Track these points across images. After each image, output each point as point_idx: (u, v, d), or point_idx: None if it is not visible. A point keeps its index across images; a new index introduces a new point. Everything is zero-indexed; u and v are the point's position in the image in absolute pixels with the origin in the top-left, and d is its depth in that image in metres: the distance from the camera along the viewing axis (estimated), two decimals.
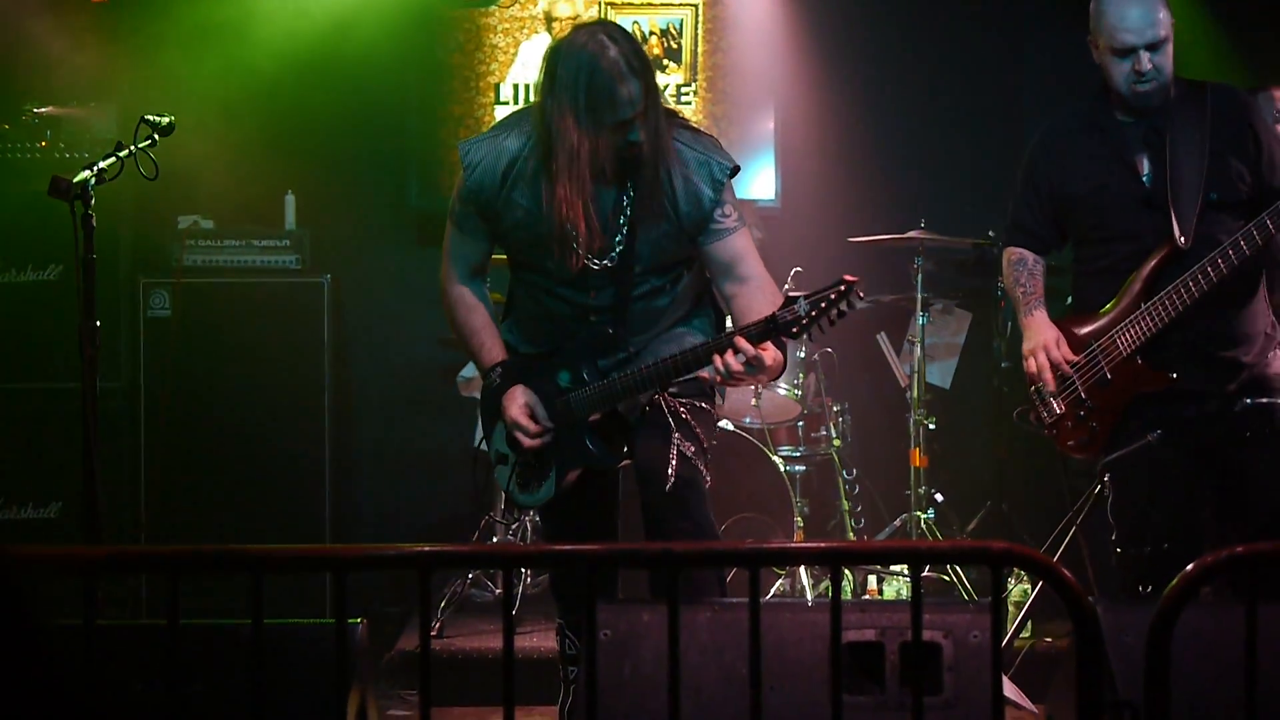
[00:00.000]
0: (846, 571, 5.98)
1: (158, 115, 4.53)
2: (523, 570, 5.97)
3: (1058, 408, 4.60)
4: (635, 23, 7.32)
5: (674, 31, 7.37)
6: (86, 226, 4.26)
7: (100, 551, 2.49)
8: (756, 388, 6.23)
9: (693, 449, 4.11)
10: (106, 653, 3.25)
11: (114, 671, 3.24)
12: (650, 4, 7.37)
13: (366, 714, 3.41)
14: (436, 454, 7.15)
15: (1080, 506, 5.21)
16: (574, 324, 4.16)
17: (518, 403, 4.15)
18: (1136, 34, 4.36)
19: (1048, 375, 4.58)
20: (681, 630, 2.44)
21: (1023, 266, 4.75)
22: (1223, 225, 4.37)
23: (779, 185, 7.38)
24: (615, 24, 4.03)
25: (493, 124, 4.35)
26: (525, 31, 7.38)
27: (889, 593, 6.16)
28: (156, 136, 4.52)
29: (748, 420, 6.32)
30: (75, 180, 4.22)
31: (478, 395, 4.64)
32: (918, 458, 6.49)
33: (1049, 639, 5.66)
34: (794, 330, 3.78)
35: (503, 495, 5.86)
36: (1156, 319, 4.40)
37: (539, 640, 5.68)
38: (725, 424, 6.09)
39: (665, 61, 7.36)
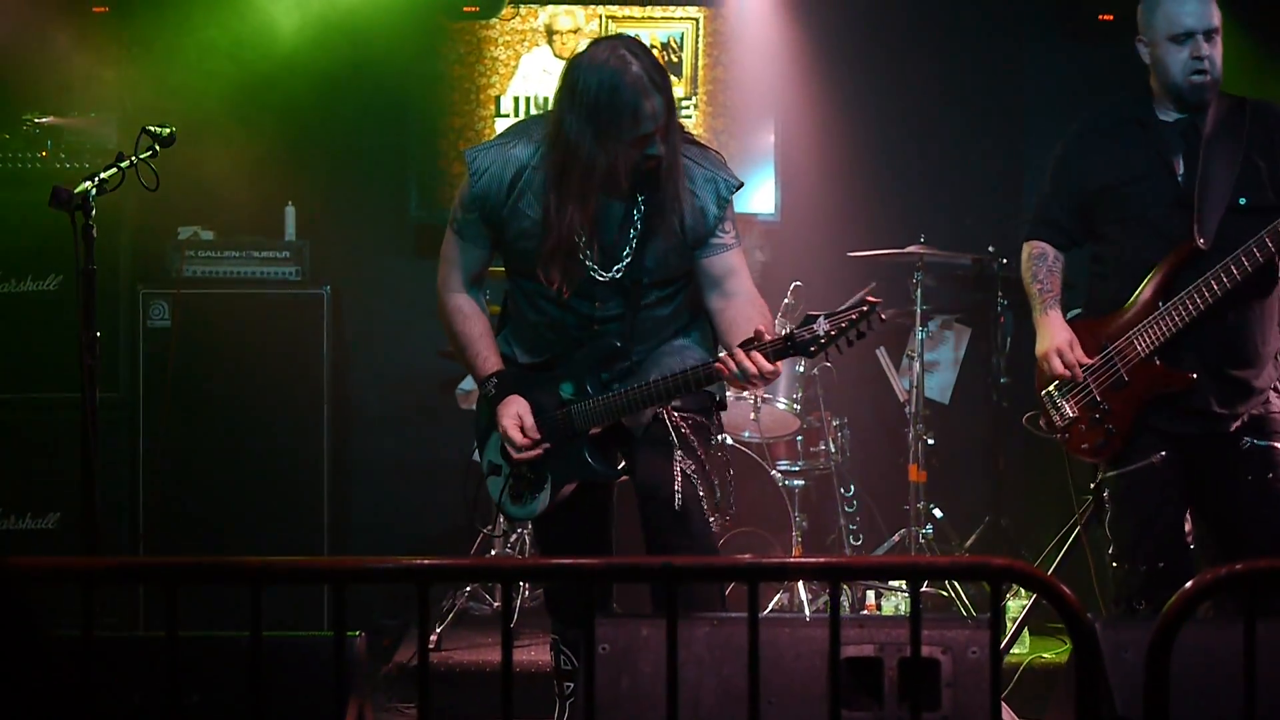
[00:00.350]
0: (845, 587, 5.98)
1: (159, 126, 4.53)
2: (521, 583, 5.97)
3: (1070, 411, 4.59)
4: (636, 36, 7.33)
5: (675, 45, 7.38)
6: (87, 237, 4.26)
7: (99, 562, 2.48)
8: (756, 401, 6.23)
9: (693, 467, 4.11)
10: (105, 664, 3.25)
11: (112, 683, 3.23)
12: (651, 18, 7.38)
13: None
14: (435, 466, 7.14)
15: (1075, 521, 5.18)
16: (578, 332, 4.16)
17: (509, 414, 4.15)
18: (1195, 18, 4.39)
19: (1064, 373, 4.56)
20: (680, 645, 2.44)
21: (1042, 262, 4.71)
22: (1249, 231, 4.34)
23: (779, 199, 7.39)
24: (634, 39, 4.00)
25: (497, 133, 4.34)
26: (526, 44, 7.39)
27: (888, 608, 6.16)
28: (157, 147, 4.52)
29: (746, 434, 6.32)
30: (76, 191, 4.22)
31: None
32: (916, 473, 6.49)
33: (1047, 655, 5.65)
34: (811, 349, 3.80)
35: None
36: (1175, 320, 4.38)
37: (537, 653, 5.67)
38: (724, 438, 6.09)
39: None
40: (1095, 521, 4.83)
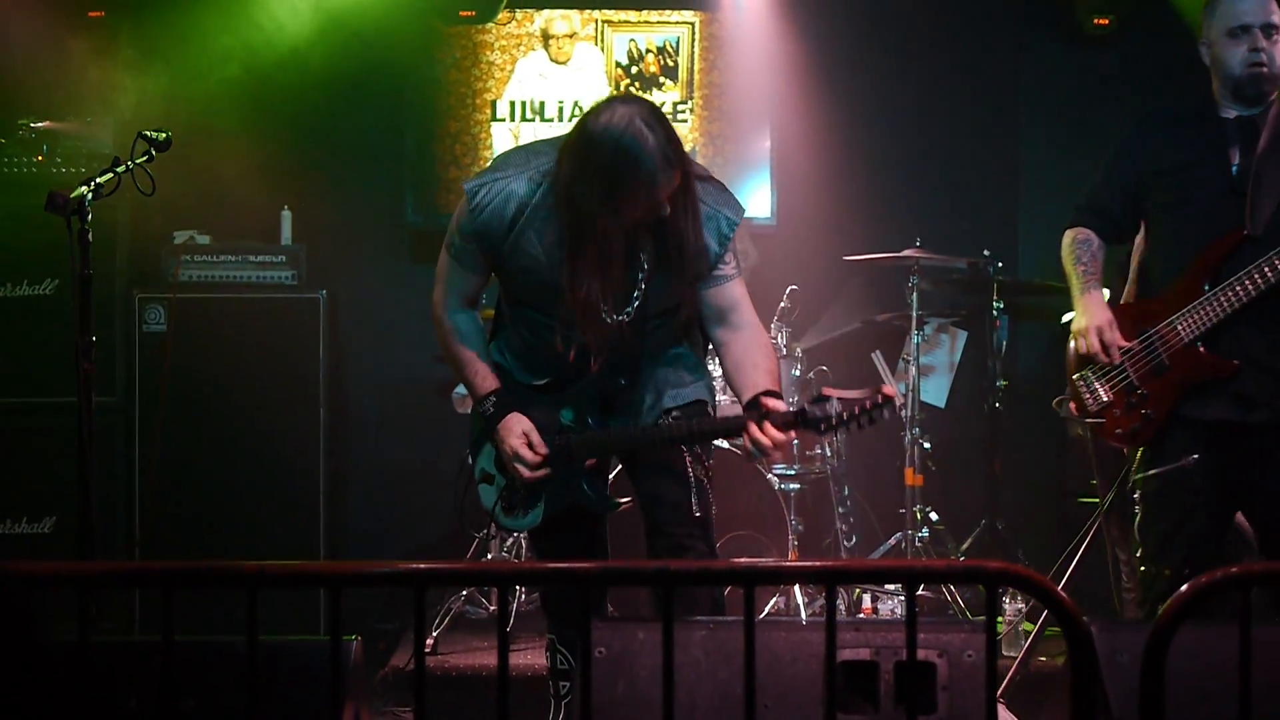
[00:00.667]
0: (841, 590, 5.98)
1: (155, 131, 4.53)
2: (517, 588, 5.97)
3: (1104, 395, 4.56)
4: (632, 40, 7.35)
5: (670, 49, 7.39)
6: (83, 242, 4.25)
7: (95, 567, 2.48)
8: None
9: (701, 471, 4.14)
10: (101, 668, 3.25)
11: (108, 687, 3.23)
12: (647, 21, 7.39)
13: None
14: (432, 470, 7.14)
15: (1094, 519, 5.15)
16: (580, 361, 4.11)
17: (516, 433, 4.13)
18: (1253, 14, 4.45)
19: (1101, 352, 4.53)
20: (676, 648, 2.44)
21: (1087, 246, 4.71)
22: None
23: (775, 203, 7.39)
24: (647, 104, 3.89)
25: (493, 160, 4.23)
26: (522, 48, 7.40)
27: (884, 611, 6.16)
28: (153, 152, 4.51)
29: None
30: (72, 195, 4.22)
31: None
32: (912, 476, 6.49)
33: (1043, 658, 5.65)
34: (821, 428, 3.86)
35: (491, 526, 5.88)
36: (1221, 306, 4.37)
37: (533, 657, 5.67)
38: (720, 442, 6.09)
39: (662, 79, 7.38)
40: (1121, 522, 4.84)
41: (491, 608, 6.32)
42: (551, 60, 7.38)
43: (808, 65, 7.37)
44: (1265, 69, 4.45)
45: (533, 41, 7.40)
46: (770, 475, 6.19)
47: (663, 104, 7.30)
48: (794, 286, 6.48)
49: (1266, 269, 4.32)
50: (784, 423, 3.85)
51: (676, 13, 7.43)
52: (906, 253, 6.51)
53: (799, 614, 5.93)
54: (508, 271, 4.09)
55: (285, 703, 3.26)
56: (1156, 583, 4.51)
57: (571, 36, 7.36)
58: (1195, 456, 4.44)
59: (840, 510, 6.57)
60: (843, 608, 6.16)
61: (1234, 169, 4.47)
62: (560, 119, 7.34)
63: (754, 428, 3.84)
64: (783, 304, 6.47)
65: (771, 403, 3.88)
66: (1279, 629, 3.34)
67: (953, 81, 7.52)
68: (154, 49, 7.05)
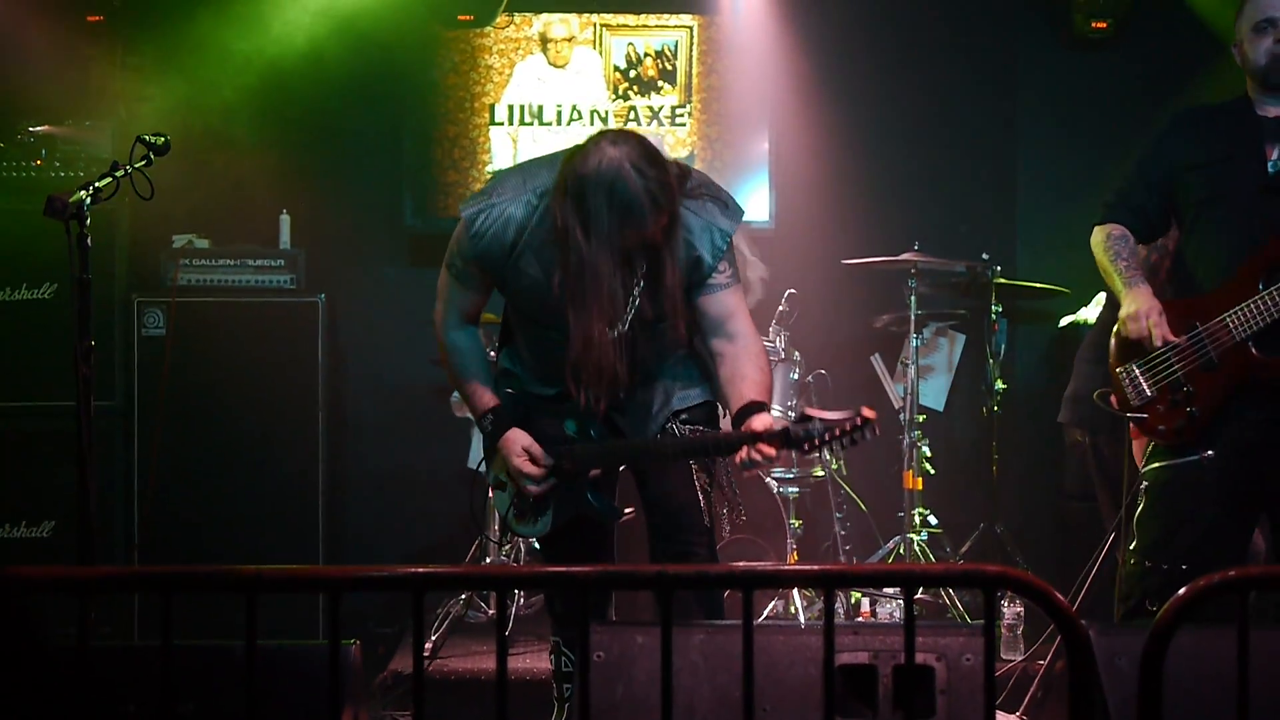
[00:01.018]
0: (840, 594, 5.98)
1: (153, 135, 4.53)
2: (516, 591, 5.97)
3: (1149, 390, 4.49)
4: (630, 44, 7.36)
5: (669, 53, 7.39)
6: (82, 246, 4.25)
7: (94, 571, 2.48)
8: None
9: (705, 478, 4.18)
10: (100, 673, 3.25)
11: (107, 692, 3.23)
12: (645, 25, 7.40)
13: None
14: (430, 473, 7.14)
15: (1120, 519, 5.11)
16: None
17: (516, 450, 4.17)
18: (1277, 8, 4.47)
19: (1152, 335, 4.45)
20: (675, 652, 2.44)
21: (1124, 242, 4.66)
22: None
23: (773, 207, 7.40)
24: (636, 141, 3.85)
25: (489, 182, 4.20)
26: (520, 52, 7.40)
27: (883, 615, 6.16)
28: (152, 156, 4.51)
29: None
30: (71, 200, 4.21)
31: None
32: (911, 480, 6.49)
33: (1042, 661, 5.66)
34: (804, 448, 3.88)
35: (496, 516, 5.87)
36: (1276, 307, 4.31)
37: (532, 661, 5.67)
38: None
39: (660, 83, 7.39)
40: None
41: (490, 611, 6.32)
42: (550, 64, 7.38)
43: (806, 69, 7.38)
44: None
45: (531, 45, 7.40)
46: (769, 479, 6.19)
47: (661, 108, 7.31)
48: (792, 290, 6.49)
49: None
50: (768, 442, 3.88)
51: (675, 16, 7.43)
52: (905, 256, 6.51)
53: (798, 618, 5.93)
54: (511, 291, 4.11)
55: (284, 707, 3.26)
56: (1148, 577, 4.45)
57: (570, 40, 7.37)
58: (1210, 453, 4.41)
59: (839, 514, 6.57)
60: (841, 611, 6.16)
61: (1271, 165, 4.46)
62: (559, 123, 7.35)
63: (746, 449, 3.90)
64: (781, 307, 6.47)
65: (756, 422, 3.91)
66: (1277, 631, 3.34)
67: (951, 85, 7.53)
68: (153, 54, 7.06)
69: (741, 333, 4.11)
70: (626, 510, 4.30)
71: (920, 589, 6.02)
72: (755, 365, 4.06)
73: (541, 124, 7.37)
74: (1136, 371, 4.55)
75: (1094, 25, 7.28)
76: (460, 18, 7.33)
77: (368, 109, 7.41)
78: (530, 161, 4.20)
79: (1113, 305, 4.89)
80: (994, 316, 6.62)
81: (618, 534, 4.52)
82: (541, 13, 7.41)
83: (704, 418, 4.26)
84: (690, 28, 7.41)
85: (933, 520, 6.55)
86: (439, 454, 7.05)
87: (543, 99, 7.39)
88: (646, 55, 7.39)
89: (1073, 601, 4.99)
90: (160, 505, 6.40)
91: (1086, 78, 7.39)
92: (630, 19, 7.38)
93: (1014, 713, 5.18)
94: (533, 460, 4.15)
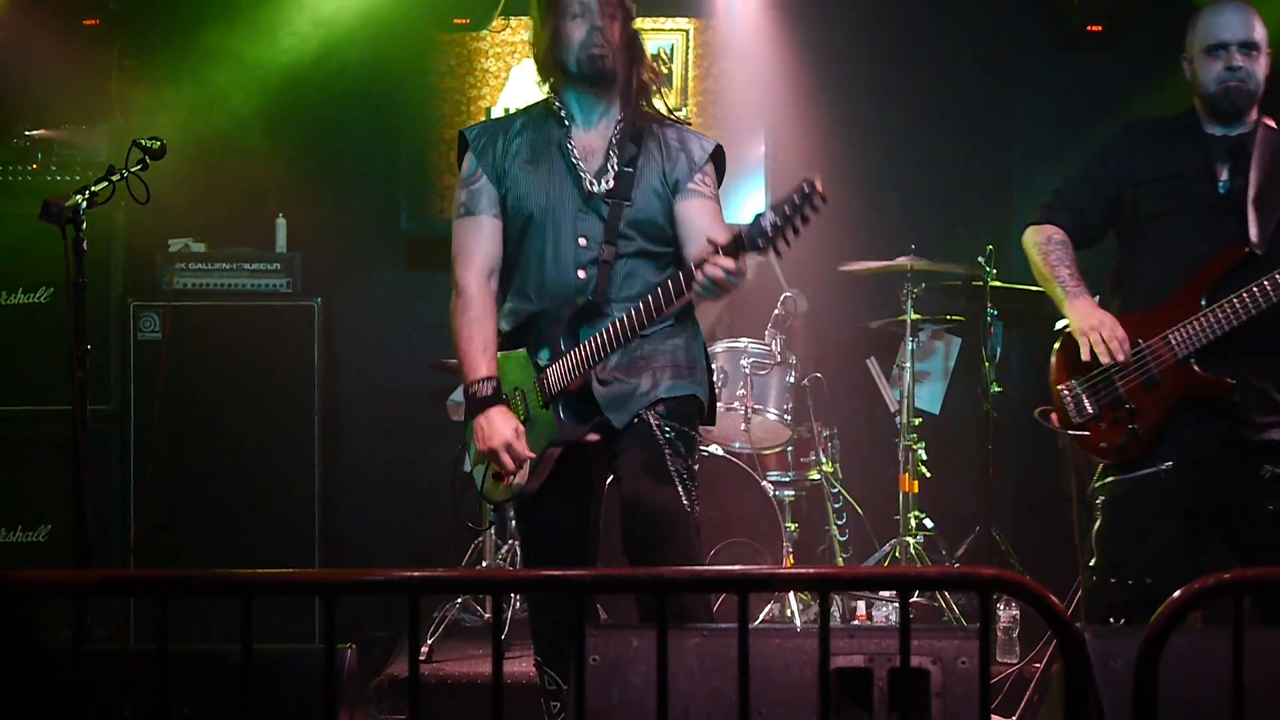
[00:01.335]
0: (836, 597, 5.98)
1: (149, 139, 4.53)
2: (512, 595, 5.96)
3: (1090, 407, 4.46)
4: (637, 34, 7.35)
5: (665, 57, 7.39)
6: (77, 250, 4.26)
7: (90, 575, 2.48)
8: (746, 412, 6.23)
9: (676, 469, 4.11)
10: (96, 677, 3.25)
11: (103, 696, 3.23)
12: (641, 29, 7.37)
13: None
14: (426, 477, 7.12)
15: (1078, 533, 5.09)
16: (559, 285, 4.21)
17: (498, 438, 4.14)
18: (1230, 30, 4.44)
19: (1115, 347, 4.39)
20: (670, 656, 2.44)
21: (1064, 248, 4.62)
22: None
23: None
24: None
25: None
26: (516, 56, 7.41)
27: (879, 618, 6.16)
28: (148, 160, 4.52)
29: (737, 445, 6.32)
30: (66, 204, 4.22)
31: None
32: (907, 483, 6.49)
33: (1038, 664, 5.66)
34: (760, 243, 3.85)
35: (490, 521, 5.87)
36: (1218, 324, 4.29)
37: (528, 665, 5.64)
38: (715, 449, 6.10)
39: (656, 87, 7.38)
40: (1084, 532, 4.71)
41: (486, 615, 6.32)
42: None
43: (801, 72, 7.38)
44: (1241, 84, 4.42)
45: (527, 49, 7.38)
46: (765, 482, 6.19)
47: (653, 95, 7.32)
48: (788, 293, 6.49)
49: (1268, 285, 4.24)
50: (724, 249, 3.85)
51: (670, 20, 7.44)
52: (901, 259, 6.51)
53: (794, 621, 5.93)
54: (509, 196, 4.26)
55: (280, 711, 3.26)
56: (1112, 594, 4.40)
57: None
58: (1169, 464, 4.37)
59: (835, 518, 6.58)
60: (837, 614, 6.16)
61: (1221, 185, 4.44)
62: None
63: (701, 271, 3.85)
64: (777, 311, 6.47)
65: (714, 240, 3.94)
66: (1271, 633, 3.35)
67: (946, 88, 7.53)
68: (148, 57, 7.06)
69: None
70: (591, 436, 4.21)
71: (916, 592, 6.03)
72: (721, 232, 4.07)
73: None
74: (1078, 388, 4.52)
75: (1089, 28, 7.30)
76: (456, 21, 7.34)
77: (364, 113, 7.41)
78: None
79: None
80: (989, 319, 6.62)
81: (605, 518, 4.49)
82: None
83: (685, 411, 4.22)
84: (686, 31, 7.42)
85: (928, 523, 6.56)
86: (435, 457, 7.02)
87: None
88: None
89: (1068, 604, 4.99)
90: (156, 509, 6.40)
91: (1082, 80, 7.40)
92: None
93: (1010, 716, 5.18)
94: (514, 457, 4.13)
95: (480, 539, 6.30)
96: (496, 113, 7.36)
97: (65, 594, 2.42)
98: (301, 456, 6.55)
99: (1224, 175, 4.45)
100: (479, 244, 4.29)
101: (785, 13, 7.42)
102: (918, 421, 6.58)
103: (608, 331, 4.06)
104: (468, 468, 4.42)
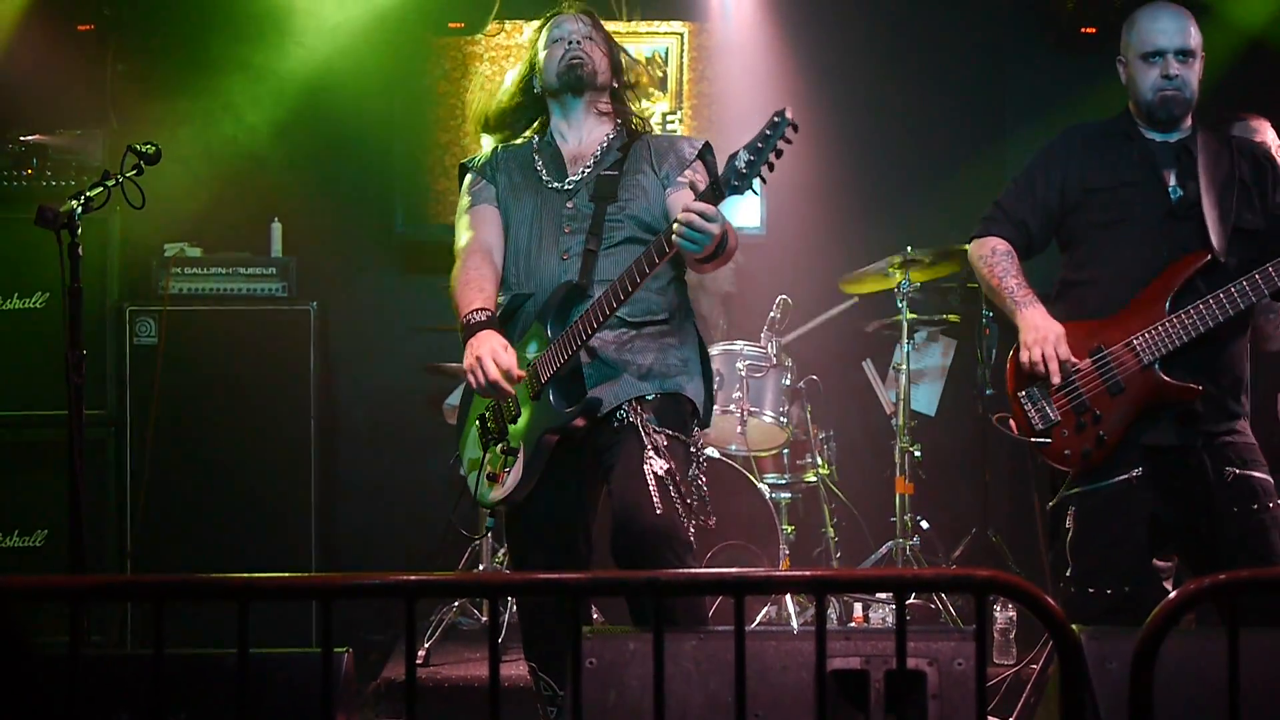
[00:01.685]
0: (832, 599, 5.98)
1: (144, 144, 4.54)
2: (509, 598, 5.96)
3: (1053, 414, 4.40)
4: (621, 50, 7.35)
5: (659, 60, 7.40)
6: (73, 256, 4.27)
7: (86, 580, 2.48)
8: (742, 415, 6.23)
9: (667, 468, 4.09)
10: (92, 681, 3.25)
11: (99, 700, 3.23)
12: (636, 33, 7.40)
13: None
14: (422, 481, 7.14)
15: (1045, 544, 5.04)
16: (546, 278, 4.27)
17: (493, 345, 4.14)
18: (1167, 38, 4.41)
19: (1054, 367, 4.35)
20: (667, 658, 2.44)
21: (1009, 259, 4.56)
22: (1244, 250, 4.35)
23: (765, 213, 7.41)
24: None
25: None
26: (511, 60, 7.40)
27: (875, 620, 6.16)
28: (143, 165, 4.53)
29: (733, 448, 6.32)
30: (62, 210, 4.23)
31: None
32: (903, 485, 6.49)
33: (1034, 665, 5.66)
34: (736, 183, 3.87)
35: (486, 526, 5.87)
36: (1184, 331, 4.26)
37: (525, 668, 5.66)
38: (711, 452, 6.10)
39: (651, 90, 7.38)
40: (1049, 541, 4.66)
41: (483, 618, 6.32)
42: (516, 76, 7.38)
43: (796, 75, 7.38)
44: (1177, 92, 4.40)
45: (522, 53, 7.39)
46: (761, 485, 6.20)
47: (651, 115, 7.31)
48: (784, 296, 6.49)
49: (1238, 296, 4.22)
50: (704, 197, 3.89)
51: (665, 23, 7.45)
52: (895, 260, 6.52)
53: (790, 623, 5.93)
54: (503, 198, 4.45)
55: (276, 715, 3.26)
56: (1091, 604, 4.30)
57: None
58: (1139, 471, 4.33)
59: (831, 520, 6.58)
60: (834, 617, 6.16)
61: (1171, 191, 4.42)
62: None
63: (678, 221, 3.87)
64: (772, 314, 6.48)
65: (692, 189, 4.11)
66: (1267, 635, 3.35)
67: (941, 90, 7.54)
68: (144, 63, 7.07)
69: None
70: (578, 421, 4.20)
71: (912, 594, 6.03)
72: None
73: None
74: (1039, 395, 4.44)
75: (1082, 30, 7.31)
76: (451, 25, 7.35)
77: (359, 117, 7.40)
78: None
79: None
80: (984, 321, 6.63)
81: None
82: (532, 20, 7.39)
83: (671, 406, 4.22)
84: (681, 34, 7.43)
85: (925, 525, 6.56)
86: (431, 461, 7.04)
87: None
88: (637, 62, 7.39)
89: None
90: (152, 513, 6.40)
91: (1075, 82, 7.39)
92: (620, 26, 7.38)
93: (1007, 718, 5.18)
94: (498, 362, 4.11)
95: (477, 542, 6.30)
96: None
97: (61, 599, 2.42)
98: (298, 460, 6.55)
99: (1172, 181, 4.43)
100: (479, 226, 4.45)
101: (780, 16, 7.43)
102: (913, 423, 6.58)
103: (593, 307, 4.07)
104: (463, 471, 4.43)
